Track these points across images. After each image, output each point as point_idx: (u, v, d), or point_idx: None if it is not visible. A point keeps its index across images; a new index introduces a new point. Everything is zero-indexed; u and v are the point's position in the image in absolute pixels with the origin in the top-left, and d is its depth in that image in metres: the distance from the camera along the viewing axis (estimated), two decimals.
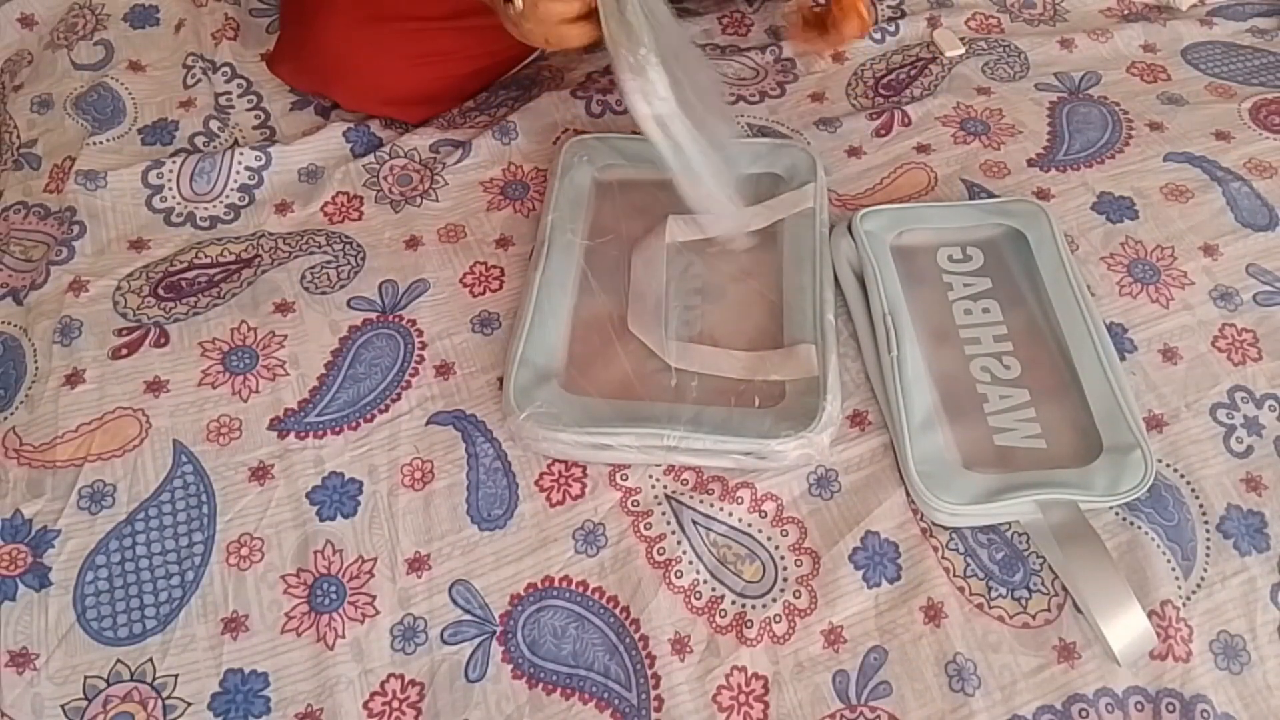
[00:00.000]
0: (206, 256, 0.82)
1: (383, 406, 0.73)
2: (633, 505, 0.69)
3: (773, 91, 0.97)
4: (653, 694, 0.62)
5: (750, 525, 0.68)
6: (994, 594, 0.65)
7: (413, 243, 0.84)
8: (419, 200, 0.87)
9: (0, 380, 0.75)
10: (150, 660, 0.63)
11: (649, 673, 0.62)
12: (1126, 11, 1.07)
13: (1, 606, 0.64)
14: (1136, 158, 0.89)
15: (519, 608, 0.65)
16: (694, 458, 0.69)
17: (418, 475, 0.70)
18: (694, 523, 0.68)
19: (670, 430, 0.68)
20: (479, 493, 0.69)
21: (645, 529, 0.68)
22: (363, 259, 0.82)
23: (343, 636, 0.64)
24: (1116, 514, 0.67)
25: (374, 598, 0.65)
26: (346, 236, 0.84)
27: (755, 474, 0.70)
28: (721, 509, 0.68)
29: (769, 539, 0.67)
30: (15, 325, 0.78)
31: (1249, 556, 0.67)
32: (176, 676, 0.62)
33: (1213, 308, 0.78)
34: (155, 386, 0.74)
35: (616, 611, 0.65)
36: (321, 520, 0.68)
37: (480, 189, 0.88)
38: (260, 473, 0.70)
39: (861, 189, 0.88)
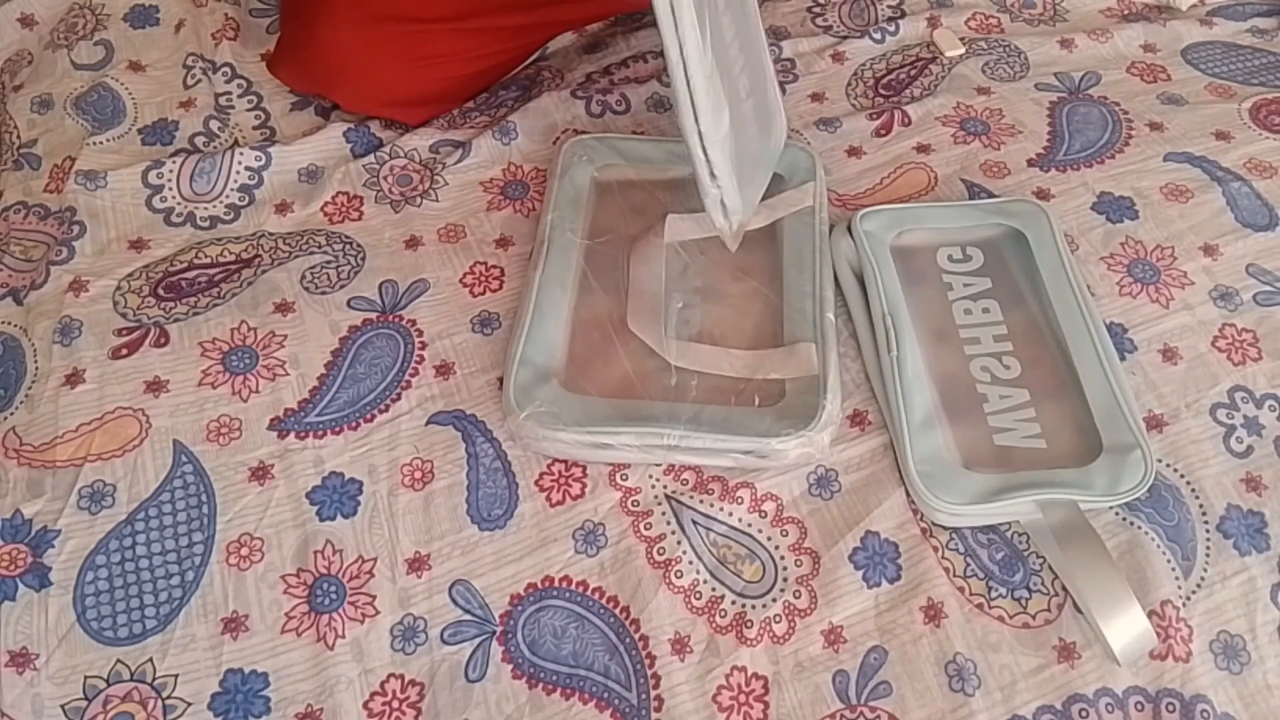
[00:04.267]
0: (206, 256, 0.82)
1: (383, 406, 0.73)
2: (633, 505, 0.69)
3: None
4: (653, 694, 0.62)
5: (750, 525, 0.68)
6: (994, 594, 0.65)
7: (413, 243, 0.84)
8: (419, 200, 0.87)
9: (0, 380, 0.75)
10: (150, 660, 0.63)
11: (649, 673, 0.62)
12: (1126, 11, 1.07)
13: (1, 606, 0.64)
14: (1136, 158, 0.89)
15: (519, 608, 0.65)
16: (694, 457, 0.69)
17: (418, 475, 0.70)
18: (694, 523, 0.68)
19: (670, 429, 0.68)
20: (479, 493, 0.69)
21: (645, 529, 0.68)
22: (363, 259, 0.82)
23: (343, 636, 0.64)
24: (1116, 514, 0.67)
25: (374, 598, 0.65)
26: (346, 236, 0.84)
27: (755, 474, 0.70)
28: (721, 509, 0.68)
29: (769, 539, 0.67)
30: (15, 325, 0.78)
31: (1249, 556, 0.67)
32: (176, 676, 0.62)
33: (1213, 308, 0.78)
34: (155, 386, 0.74)
35: (616, 611, 0.65)
36: (321, 520, 0.68)
37: (480, 189, 0.88)
38: (260, 473, 0.70)
39: (861, 189, 0.88)
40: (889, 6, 1.06)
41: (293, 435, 0.72)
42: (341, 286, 0.80)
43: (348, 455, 0.71)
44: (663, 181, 0.85)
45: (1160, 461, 0.70)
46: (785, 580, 0.66)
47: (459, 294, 0.80)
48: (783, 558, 0.67)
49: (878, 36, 1.02)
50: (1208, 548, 0.67)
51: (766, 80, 0.83)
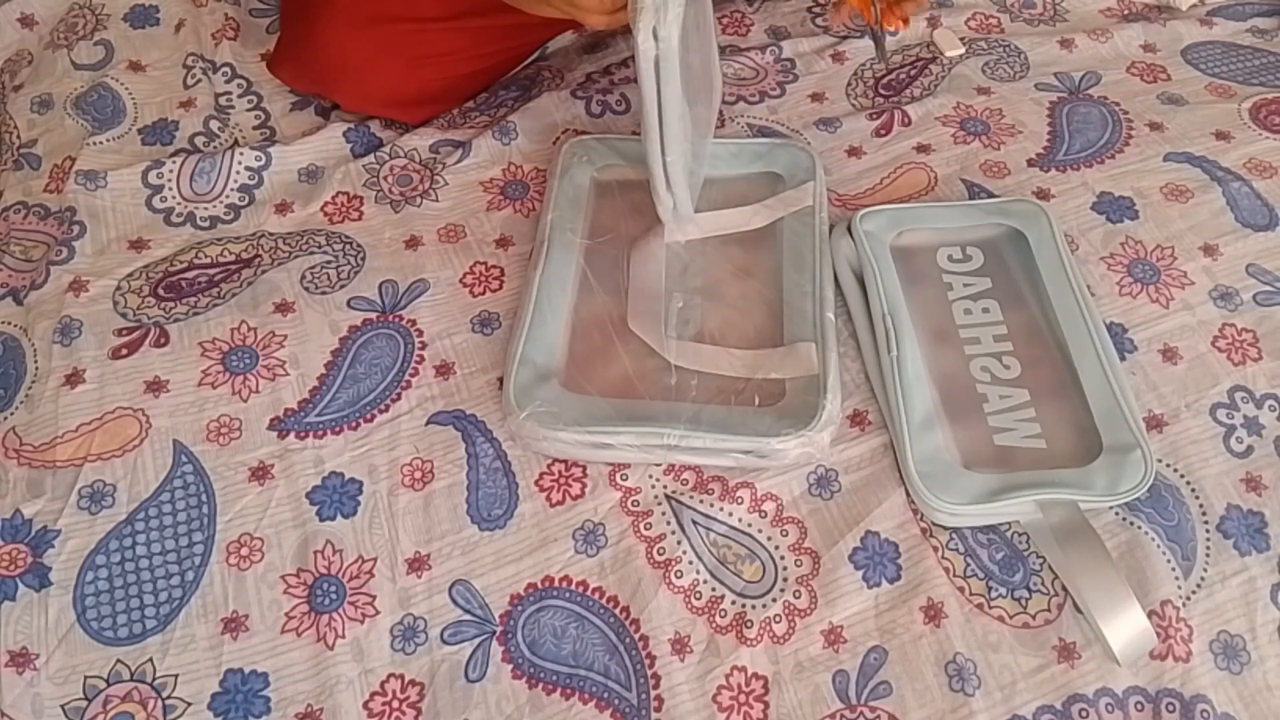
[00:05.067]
0: (206, 256, 0.82)
1: (383, 406, 0.73)
2: (633, 505, 0.69)
3: (773, 91, 0.97)
4: (653, 694, 0.62)
5: (750, 525, 0.68)
6: (994, 594, 0.65)
7: (413, 243, 0.84)
8: (419, 200, 0.87)
9: (0, 380, 0.75)
10: (150, 660, 0.63)
11: (649, 673, 0.62)
12: (1126, 11, 1.07)
13: (1, 606, 0.64)
14: (1136, 158, 0.89)
15: (519, 608, 0.65)
16: (694, 456, 0.69)
17: (418, 475, 0.70)
18: (694, 523, 0.68)
19: (670, 429, 0.68)
20: (479, 493, 0.69)
21: (645, 529, 0.68)
22: (363, 259, 0.82)
23: (343, 636, 0.64)
24: (1116, 514, 0.67)
25: (374, 598, 0.65)
26: (346, 236, 0.84)
27: (755, 474, 0.70)
28: (721, 509, 0.68)
29: (769, 539, 0.67)
30: (15, 325, 0.78)
31: (1249, 556, 0.67)
32: (176, 676, 0.62)
33: (1213, 308, 0.78)
34: (155, 386, 0.74)
35: (616, 611, 0.65)
36: (321, 520, 0.68)
37: (480, 189, 0.88)
38: (260, 473, 0.70)
39: (861, 189, 0.88)
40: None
41: (293, 435, 0.72)
42: (341, 286, 0.80)
43: (348, 455, 0.71)
44: None
45: (1160, 461, 0.70)
46: (785, 580, 0.66)
47: (459, 294, 0.80)
48: (783, 558, 0.67)
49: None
50: (1208, 548, 0.67)
51: (713, 86, 0.84)
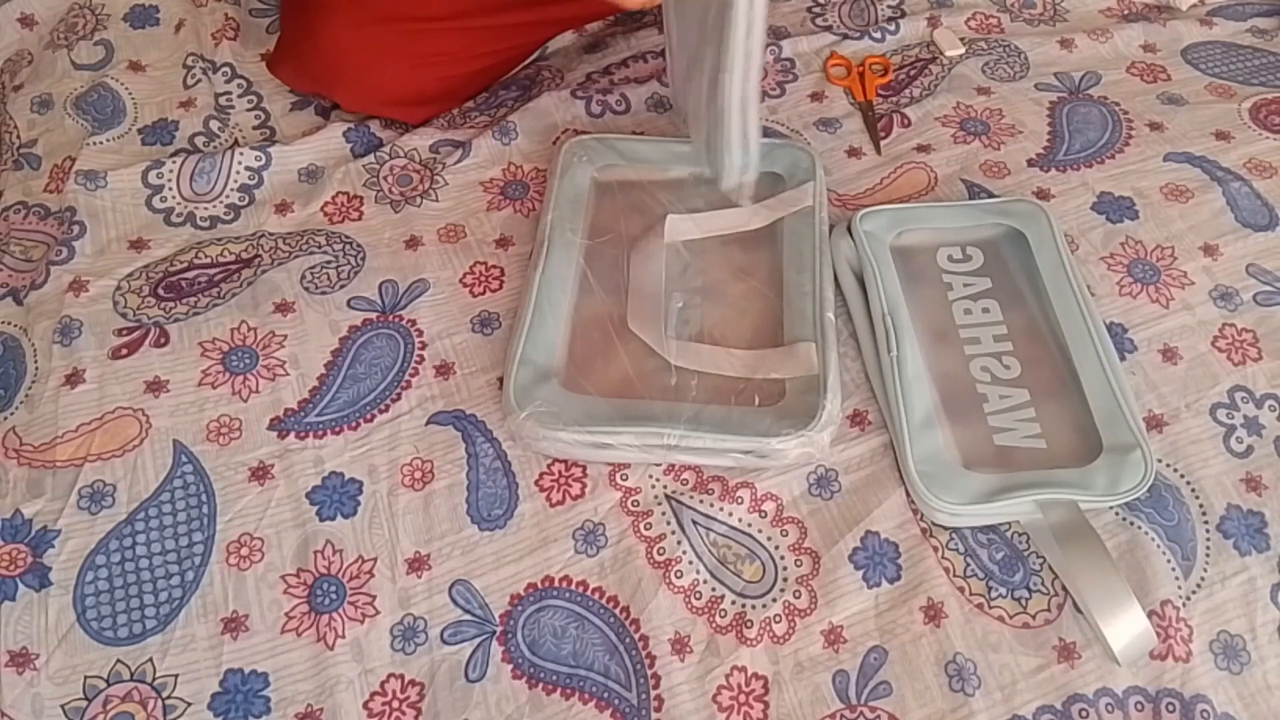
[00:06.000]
0: (206, 256, 0.82)
1: (383, 406, 0.73)
2: (633, 505, 0.69)
3: (773, 91, 0.97)
4: (653, 694, 0.62)
5: (750, 525, 0.68)
6: (994, 594, 0.65)
7: (413, 243, 0.84)
8: (419, 200, 0.87)
9: (0, 380, 0.75)
10: (150, 660, 0.63)
11: (649, 673, 0.62)
12: (1126, 11, 1.07)
13: (1, 606, 0.64)
14: (1136, 158, 0.89)
15: (519, 608, 0.65)
16: (694, 456, 0.69)
17: (418, 475, 0.70)
18: (694, 523, 0.68)
19: (670, 429, 0.68)
20: (479, 493, 0.69)
21: (645, 529, 0.68)
22: (363, 259, 0.82)
23: (343, 636, 0.64)
24: (1116, 514, 0.67)
25: (374, 598, 0.65)
26: (346, 236, 0.84)
27: (755, 474, 0.70)
28: (721, 509, 0.68)
29: (769, 539, 0.67)
30: (15, 325, 0.78)
31: (1249, 556, 0.67)
32: (176, 676, 0.62)
33: (1213, 308, 0.78)
34: (155, 386, 0.74)
35: (616, 611, 0.65)
36: (321, 520, 0.68)
37: (480, 189, 0.88)
38: (260, 473, 0.70)
39: (861, 189, 0.88)
40: (889, 6, 1.06)
41: (293, 435, 0.72)
42: (341, 286, 0.80)
43: (348, 455, 0.71)
44: (663, 181, 0.85)
45: (1160, 461, 0.70)
46: (785, 580, 0.66)
47: (459, 294, 0.80)
48: (783, 558, 0.67)
49: (878, 36, 1.02)
50: (1208, 548, 0.67)
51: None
